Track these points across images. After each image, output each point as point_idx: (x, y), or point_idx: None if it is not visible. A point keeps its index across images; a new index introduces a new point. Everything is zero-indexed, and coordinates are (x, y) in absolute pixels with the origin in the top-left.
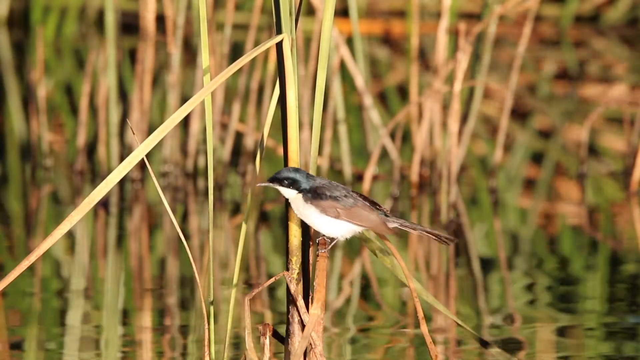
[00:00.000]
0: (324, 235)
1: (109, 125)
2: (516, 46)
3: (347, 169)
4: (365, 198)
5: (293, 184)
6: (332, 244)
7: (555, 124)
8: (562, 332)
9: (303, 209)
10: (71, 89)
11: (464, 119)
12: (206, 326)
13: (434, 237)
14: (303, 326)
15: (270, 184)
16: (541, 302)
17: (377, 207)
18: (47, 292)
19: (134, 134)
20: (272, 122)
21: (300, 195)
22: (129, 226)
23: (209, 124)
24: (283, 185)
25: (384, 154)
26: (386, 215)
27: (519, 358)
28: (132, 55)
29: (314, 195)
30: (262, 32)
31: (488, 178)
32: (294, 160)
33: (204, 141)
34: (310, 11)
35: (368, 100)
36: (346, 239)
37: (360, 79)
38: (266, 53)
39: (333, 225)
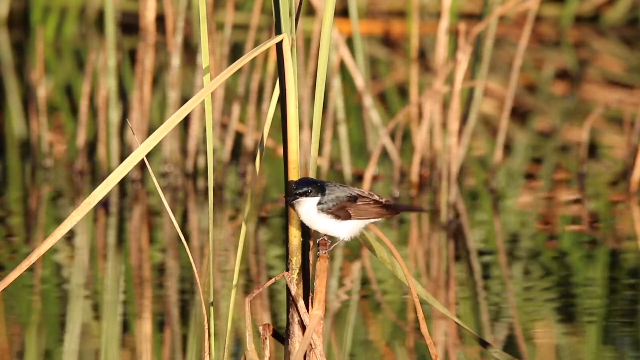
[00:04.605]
0: (324, 236)
1: (109, 125)
2: (516, 46)
3: (347, 169)
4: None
5: (312, 193)
6: (334, 245)
7: (555, 124)
8: (562, 332)
9: (315, 217)
10: (71, 89)
11: (464, 119)
12: (206, 327)
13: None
14: (303, 326)
15: (299, 198)
16: (541, 302)
17: (377, 199)
18: (47, 292)
19: (134, 134)
20: (272, 122)
21: (315, 204)
22: (129, 226)
23: (209, 124)
24: (308, 196)
25: (384, 154)
26: (387, 202)
27: (519, 358)
28: (132, 56)
29: (325, 202)
30: (262, 32)
31: (488, 178)
32: (293, 161)
33: (204, 141)
34: (310, 11)
35: (368, 101)
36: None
37: (360, 79)
38: (266, 53)
39: (344, 227)
